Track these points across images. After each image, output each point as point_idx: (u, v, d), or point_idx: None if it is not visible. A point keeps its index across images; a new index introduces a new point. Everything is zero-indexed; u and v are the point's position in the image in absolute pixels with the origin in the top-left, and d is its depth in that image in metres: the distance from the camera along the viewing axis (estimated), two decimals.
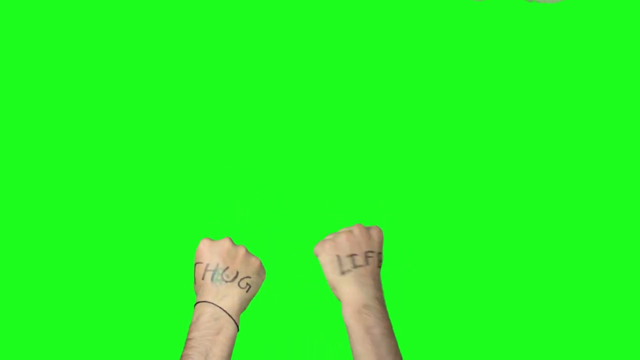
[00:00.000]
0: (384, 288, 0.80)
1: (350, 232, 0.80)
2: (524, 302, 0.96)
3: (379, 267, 0.81)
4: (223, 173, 1.02)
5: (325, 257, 0.79)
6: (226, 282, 0.77)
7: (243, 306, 0.78)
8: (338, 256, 0.78)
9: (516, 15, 1.06)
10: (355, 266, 0.78)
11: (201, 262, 0.79)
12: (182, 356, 0.73)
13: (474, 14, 1.06)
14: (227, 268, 0.78)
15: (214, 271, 0.78)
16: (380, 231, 0.82)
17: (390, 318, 0.77)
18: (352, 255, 0.78)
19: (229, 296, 0.77)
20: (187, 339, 0.74)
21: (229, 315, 0.75)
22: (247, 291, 0.78)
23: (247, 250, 0.81)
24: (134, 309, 0.94)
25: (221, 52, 1.06)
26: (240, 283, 0.78)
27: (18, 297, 0.95)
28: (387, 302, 0.79)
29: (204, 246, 0.80)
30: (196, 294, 0.79)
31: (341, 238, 0.79)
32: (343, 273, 0.78)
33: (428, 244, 0.99)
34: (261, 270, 0.82)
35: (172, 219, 0.99)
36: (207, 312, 0.75)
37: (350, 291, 0.76)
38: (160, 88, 1.05)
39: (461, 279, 0.97)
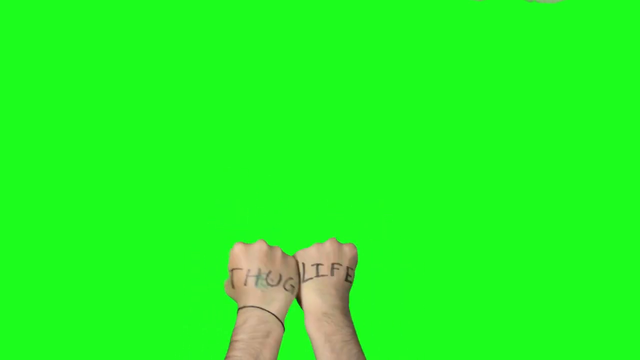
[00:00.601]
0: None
1: (321, 244, 0.81)
2: (511, 312, 0.97)
3: (349, 282, 0.80)
4: (211, 177, 1.02)
5: None
6: (272, 286, 0.76)
7: (288, 307, 0.77)
8: (303, 264, 0.79)
9: (516, 15, 1.06)
10: (318, 275, 0.78)
11: (240, 268, 0.77)
12: (227, 357, 0.71)
13: (474, 14, 1.06)
14: (270, 272, 0.76)
15: (257, 276, 0.76)
16: (354, 248, 0.82)
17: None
18: (316, 265, 0.79)
19: (277, 300, 0.75)
20: (233, 341, 0.72)
21: (278, 318, 0.75)
22: (292, 293, 0.77)
23: (282, 251, 0.79)
24: (138, 311, 0.94)
25: (221, 55, 1.06)
26: (286, 285, 0.77)
27: (20, 301, 0.95)
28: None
29: (240, 251, 0.77)
30: (234, 298, 0.78)
31: (311, 249, 0.80)
32: (304, 280, 0.78)
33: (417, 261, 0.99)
34: (298, 270, 0.80)
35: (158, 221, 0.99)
36: (255, 316, 0.74)
37: (310, 298, 0.77)
38: (158, 91, 1.05)
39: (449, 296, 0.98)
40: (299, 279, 0.79)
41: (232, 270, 0.78)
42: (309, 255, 0.79)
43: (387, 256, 0.99)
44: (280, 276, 0.77)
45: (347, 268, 0.80)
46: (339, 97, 1.05)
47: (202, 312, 0.94)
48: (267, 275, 0.76)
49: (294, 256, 0.80)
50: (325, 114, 1.05)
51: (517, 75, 1.05)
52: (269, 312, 0.74)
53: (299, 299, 0.78)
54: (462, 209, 1.01)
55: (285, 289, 0.76)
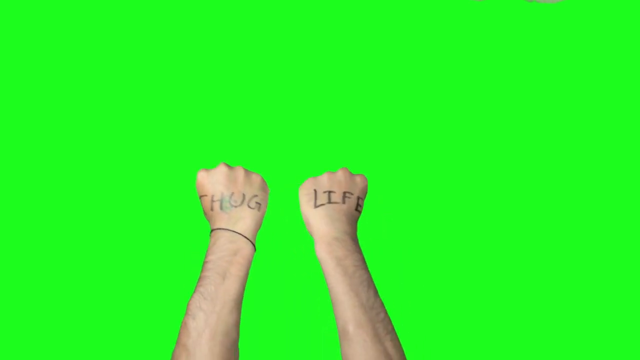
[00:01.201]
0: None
1: (334, 172, 0.81)
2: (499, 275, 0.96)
3: (358, 211, 0.80)
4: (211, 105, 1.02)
5: (303, 191, 0.80)
6: (235, 207, 0.77)
7: (258, 225, 0.78)
8: (315, 190, 0.79)
9: (516, 15, 1.06)
10: (330, 202, 0.78)
11: (205, 195, 0.79)
12: (199, 278, 0.72)
13: (474, 14, 1.07)
14: (233, 194, 0.78)
15: (221, 200, 0.77)
16: (365, 179, 0.82)
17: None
18: (329, 192, 0.79)
19: (242, 219, 0.76)
20: (204, 263, 0.74)
21: (245, 237, 0.75)
22: (258, 210, 0.78)
23: (245, 170, 0.80)
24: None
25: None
26: (250, 204, 0.78)
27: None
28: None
29: (203, 178, 0.79)
30: (209, 222, 0.79)
31: (323, 176, 0.81)
32: (316, 207, 0.78)
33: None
34: (265, 185, 0.81)
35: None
36: (223, 236, 0.75)
37: (321, 224, 0.76)
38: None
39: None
40: (266, 195, 0.79)
41: (200, 197, 0.80)
42: (320, 183, 0.80)
43: (397, 190, 0.98)
44: (244, 195, 0.78)
45: (358, 198, 0.80)
46: (337, 96, 1.05)
47: (183, 238, 0.94)
48: (230, 197, 0.77)
49: (304, 183, 0.80)
50: (326, 109, 1.05)
51: (517, 75, 1.05)
52: (235, 232, 0.75)
53: (308, 226, 0.78)
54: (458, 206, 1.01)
55: (249, 207, 0.77)
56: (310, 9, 1.08)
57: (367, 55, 1.07)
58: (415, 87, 1.06)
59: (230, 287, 0.71)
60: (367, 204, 0.85)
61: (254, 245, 0.76)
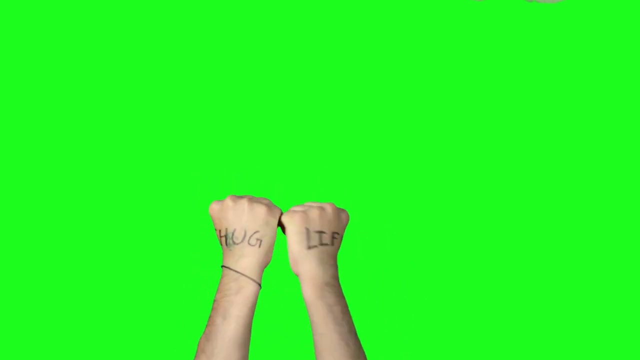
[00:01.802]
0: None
1: (323, 209, 0.78)
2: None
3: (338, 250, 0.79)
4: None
5: (294, 228, 0.76)
6: (237, 244, 0.75)
7: (262, 261, 0.75)
8: (307, 229, 0.76)
9: (516, 15, 1.06)
10: (322, 244, 0.76)
11: (217, 230, 0.78)
12: (209, 317, 0.73)
13: (474, 14, 1.06)
14: (235, 230, 0.76)
15: (226, 236, 0.76)
16: (348, 216, 0.80)
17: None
18: (320, 232, 0.76)
19: (244, 257, 0.75)
20: (213, 301, 0.74)
21: (246, 276, 0.74)
22: (259, 246, 0.75)
23: (250, 200, 0.77)
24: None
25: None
26: (250, 241, 0.75)
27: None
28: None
29: (213, 212, 0.78)
30: None
31: (314, 213, 0.77)
32: (309, 248, 0.75)
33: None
34: (269, 217, 0.76)
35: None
36: (227, 275, 0.74)
37: (312, 268, 0.74)
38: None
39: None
40: (268, 228, 0.76)
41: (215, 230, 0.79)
42: (311, 220, 0.76)
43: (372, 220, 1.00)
44: (245, 232, 0.76)
45: (341, 238, 0.79)
46: (336, 95, 1.05)
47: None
48: (233, 233, 0.76)
49: (293, 217, 0.76)
50: (320, 114, 1.05)
51: (517, 75, 1.05)
52: (236, 271, 0.74)
53: (297, 266, 0.75)
54: (454, 199, 1.01)
55: (249, 244, 0.75)
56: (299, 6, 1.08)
57: (365, 56, 1.07)
58: (412, 87, 1.06)
59: (228, 328, 0.71)
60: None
61: (258, 283, 0.74)
